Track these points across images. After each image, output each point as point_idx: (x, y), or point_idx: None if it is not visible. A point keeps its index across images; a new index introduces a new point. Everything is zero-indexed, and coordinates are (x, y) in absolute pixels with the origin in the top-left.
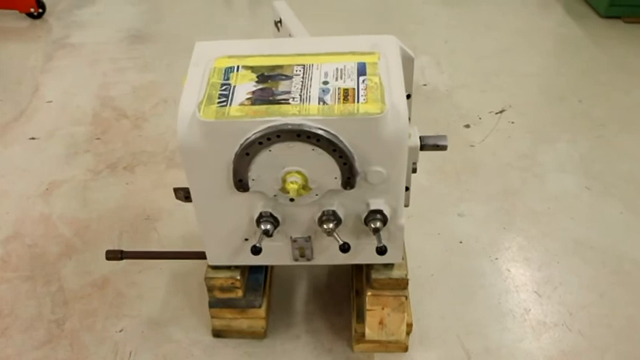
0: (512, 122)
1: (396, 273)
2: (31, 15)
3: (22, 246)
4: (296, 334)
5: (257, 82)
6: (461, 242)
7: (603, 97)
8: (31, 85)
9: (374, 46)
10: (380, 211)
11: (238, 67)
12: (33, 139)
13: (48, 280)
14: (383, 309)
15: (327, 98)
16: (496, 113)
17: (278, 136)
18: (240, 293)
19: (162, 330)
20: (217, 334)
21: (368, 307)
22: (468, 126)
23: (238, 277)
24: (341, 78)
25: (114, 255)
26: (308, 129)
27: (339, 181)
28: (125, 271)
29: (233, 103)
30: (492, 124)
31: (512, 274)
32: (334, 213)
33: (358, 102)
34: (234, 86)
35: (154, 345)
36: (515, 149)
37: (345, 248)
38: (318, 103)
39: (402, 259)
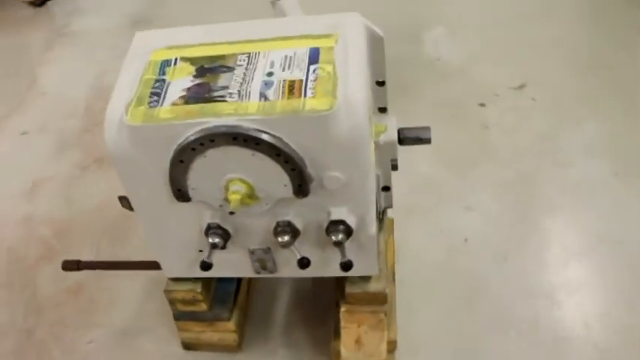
0: (534, 99)
1: (372, 286)
2: (33, 3)
3: (1, 249)
4: (273, 348)
5: (195, 76)
6: (466, 240)
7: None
8: (30, 76)
9: (332, 27)
10: (342, 222)
11: (176, 59)
12: (24, 134)
13: (24, 285)
14: (359, 326)
15: (270, 93)
16: (515, 89)
17: (212, 141)
18: (204, 306)
19: (132, 341)
20: (187, 346)
21: (342, 324)
22: (483, 104)
23: (199, 290)
24: (289, 68)
25: (71, 265)
26: (244, 132)
27: (289, 189)
28: (100, 276)
29: (165, 102)
30: (510, 101)
31: (523, 278)
32: (290, 224)
33: (305, 96)
34: (169, 82)
35: (123, 358)
36: (535, 130)
37: (303, 263)
38: (259, 99)
39: (379, 270)
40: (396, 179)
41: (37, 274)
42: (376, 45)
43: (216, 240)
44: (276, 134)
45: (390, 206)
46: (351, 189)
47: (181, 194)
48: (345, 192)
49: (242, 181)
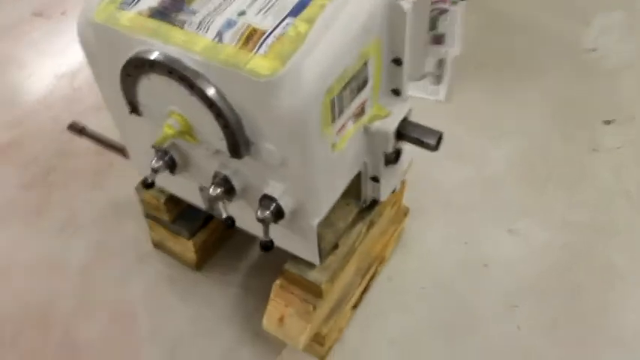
0: None
1: (312, 275)
2: None
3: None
4: (229, 281)
5: None
6: (485, 266)
7: None
8: None
9: None
10: (273, 200)
11: None
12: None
13: None
14: (286, 306)
15: (227, 35)
16: None
17: (151, 66)
18: (167, 217)
19: (117, 220)
20: (155, 245)
21: (272, 295)
22: (608, 122)
23: (163, 200)
24: (265, 12)
25: (75, 129)
26: (179, 69)
27: (224, 145)
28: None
29: (134, 8)
30: (634, 131)
31: (525, 336)
32: (225, 179)
33: (257, 52)
34: None
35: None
36: None
37: (228, 223)
38: (214, 38)
39: (320, 262)
40: (455, 168)
41: None
42: (397, 18)
43: (159, 164)
44: (213, 83)
45: (378, 198)
46: (290, 169)
47: (133, 107)
48: (283, 170)
49: (181, 117)
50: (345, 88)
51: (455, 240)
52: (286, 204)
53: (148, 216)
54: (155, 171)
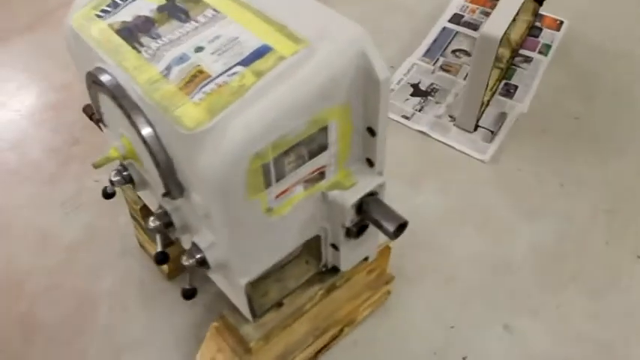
0: None
1: (245, 329)
2: None
3: None
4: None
5: (161, 7)
6: (464, 359)
7: None
8: None
9: (320, 33)
10: (199, 249)
11: None
12: None
13: None
14: (218, 351)
15: (175, 70)
16: None
17: (101, 86)
18: (143, 222)
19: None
20: (140, 244)
21: (207, 335)
22: None
23: (138, 207)
24: (221, 53)
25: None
26: (119, 97)
27: (160, 182)
28: None
29: (111, 18)
30: None
31: None
32: (166, 213)
33: (193, 97)
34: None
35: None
36: None
37: (158, 259)
38: (161, 71)
39: (255, 319)
40: (472, 237)
41: None
42: (372, 87)
43: (117, 178)
44: (150, 118)
45: (339, 266)
46: (214, 225)
47: (99, 115)
48: (210, 223)
49: (128, 142)
50: (287, 153)
51: (441, 320)
52: (212, 256)
53: (132, 216)
54: (112, 184)
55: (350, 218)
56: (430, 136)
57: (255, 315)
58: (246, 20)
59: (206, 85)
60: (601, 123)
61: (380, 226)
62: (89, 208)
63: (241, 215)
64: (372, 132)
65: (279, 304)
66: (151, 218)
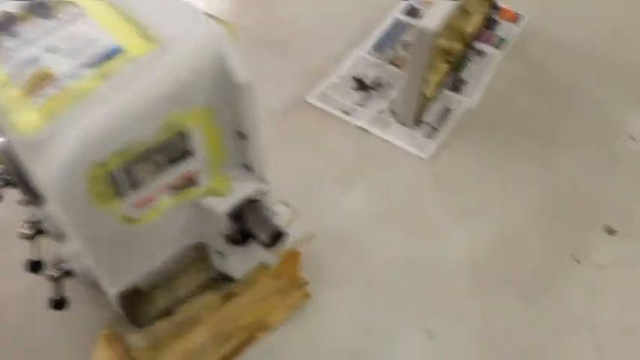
0: None
1: (131, 338)
2: None
3: None
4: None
5: (23, 4)
6: None
7: None
8: None
9: (176, 33)
10: (64, 260)
11: None
12: None
13: None
14: None
15: (24, 73)
16: None
17: None
18: None
19: None
20: None
21: (98, 343)
22: (611, 232)
23: None
24: (73, 54)
25: None
26: None
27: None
28: None
29: None
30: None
31: None
32: (38, 220)
33: (35, 101)
34: None
35: None
36: None
37: (33, 267)
38: (10, 73)
39: (140, 327)
40: (403, 240)
41: None
42: (233, 91)
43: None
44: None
45: (229, 273)
46: (70, 235)
47: None
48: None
49: None
50: (141, 160)
51: (358, 325)
52: (77, 266)
53: None
54: None
55: (226, 226)
56: (370, 132)
57: (137, 324)
58: (106, 19)
59: (49, 88)
60: (551, 120)
61: (255, 236)
62: None
63: (93, 224)
64: (242, 136)
65: (168, 313)
66: (24, 225)
